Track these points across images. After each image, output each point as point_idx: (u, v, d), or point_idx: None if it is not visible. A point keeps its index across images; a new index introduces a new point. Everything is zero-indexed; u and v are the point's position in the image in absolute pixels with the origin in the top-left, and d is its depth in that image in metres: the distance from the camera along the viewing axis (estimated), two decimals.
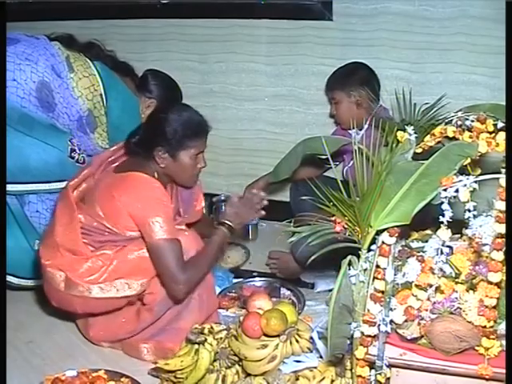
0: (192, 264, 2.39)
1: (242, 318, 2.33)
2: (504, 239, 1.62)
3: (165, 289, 2.41)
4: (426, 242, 1.95)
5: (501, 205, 1.62)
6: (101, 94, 2.83)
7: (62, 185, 2.61)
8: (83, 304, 2.44)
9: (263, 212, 2.59)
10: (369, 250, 1.80)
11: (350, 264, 1.82)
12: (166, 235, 2.33)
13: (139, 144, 2.50)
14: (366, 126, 3.09)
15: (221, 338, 2.32)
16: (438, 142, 2.14)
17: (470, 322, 1.69)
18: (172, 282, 2.35)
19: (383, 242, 1.72)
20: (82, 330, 2.69)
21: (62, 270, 2.40)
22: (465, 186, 1.65)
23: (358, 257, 1.81)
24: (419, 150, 2.13)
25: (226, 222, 2.54)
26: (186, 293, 2.41)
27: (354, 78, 3.18)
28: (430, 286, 1.73)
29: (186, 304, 2.49)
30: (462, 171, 1.79)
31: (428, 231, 2.11)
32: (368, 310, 1.76)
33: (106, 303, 2.44)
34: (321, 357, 2.21)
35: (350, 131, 3.21)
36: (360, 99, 3.14)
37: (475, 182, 1.65)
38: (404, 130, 2.16)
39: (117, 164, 2.56)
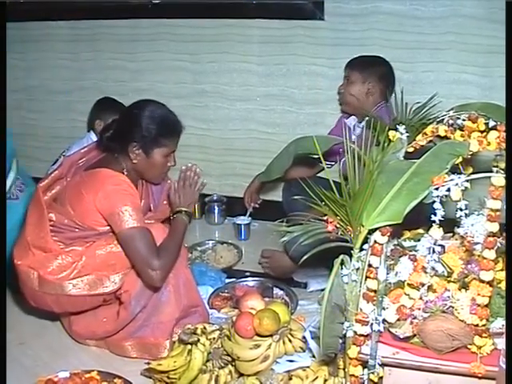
0: (163, 249, 2.41)
1: (234, 318, 2.33)
2: (496, 238, 1.62)
3: (141, 278, 2.42)
4: (418, 240, 1.95)
5: (492, 203, 1.63)
6: None
7: None
8: (58, 302, 2.47)
9: (203, 183, 2.64)
10: (361, 249, 1.80)
11: (342, 263, 1.82)
12: (135, 223, 2.36)
13: (113, 138, 2.52)
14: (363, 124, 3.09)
15: (214, 338, 2.32)
16: (430, 141, 2.15)
17: (462, 321, 1.69)
18: (148, 268, 2.35)
19: (375, 241, 1.73)
20: (67, 328, 2.71)
21: (34, 269, 2.44)
22: (456, 184, 1.65)
23: (351, 256, 1.81)
24: (411, 149, 2.13)
25: (180, 209, 2.56)
26: (163, 278, 2.41)
27: (376, 69, 3.20)
28: (423, 284, 1.74)
29: (162, 297, 2.50)
30: (454, 170, 1.79)
31: (420, 230, 2.11)
32: (361, 310, 1.76)
33: (81, 301, 2.47)
34: (314, 356, 2.21)
35: (348, 123, 3.22)
36: (372, 89, 3.16)
37: (467, 180, 1.66)
38: (395, 130, 2.16)
39: (87, 164, 2.58)
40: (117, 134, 2.51)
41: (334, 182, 1.86)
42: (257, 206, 3.54)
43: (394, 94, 2.61)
